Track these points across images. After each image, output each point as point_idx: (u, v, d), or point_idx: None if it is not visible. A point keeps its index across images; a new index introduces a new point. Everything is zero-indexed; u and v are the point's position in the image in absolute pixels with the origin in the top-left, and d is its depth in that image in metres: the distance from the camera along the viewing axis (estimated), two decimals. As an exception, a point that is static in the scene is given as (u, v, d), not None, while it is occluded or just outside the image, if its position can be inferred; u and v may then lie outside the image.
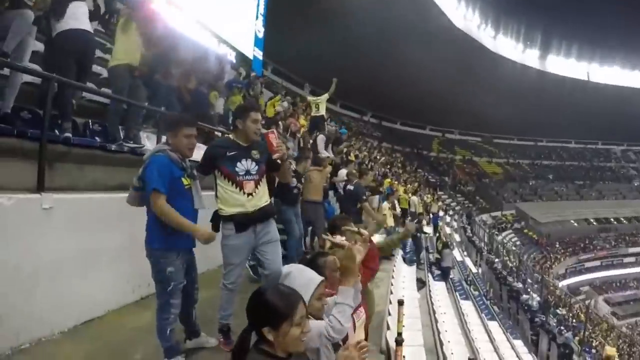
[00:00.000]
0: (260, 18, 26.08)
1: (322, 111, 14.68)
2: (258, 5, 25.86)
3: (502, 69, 61.25)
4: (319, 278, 2.64)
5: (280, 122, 13.86)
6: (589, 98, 65.47)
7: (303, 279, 2.60)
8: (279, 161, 4.58)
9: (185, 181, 3.94)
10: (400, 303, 6.01)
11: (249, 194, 4.17)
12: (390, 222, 13.61)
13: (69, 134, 5.30)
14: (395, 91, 52.53)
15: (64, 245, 4.39)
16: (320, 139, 12.66)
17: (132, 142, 6.54)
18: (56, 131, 5.24)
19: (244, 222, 4.19)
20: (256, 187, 4.25)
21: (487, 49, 60.71)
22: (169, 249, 3.85)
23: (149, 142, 7.24)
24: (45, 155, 4.51)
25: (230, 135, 4.52)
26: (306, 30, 41.52)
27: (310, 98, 16.31)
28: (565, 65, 68.76)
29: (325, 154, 11.69)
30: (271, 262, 4.29)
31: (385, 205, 13.71)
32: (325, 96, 14.62)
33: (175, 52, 8.86)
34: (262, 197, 4.30)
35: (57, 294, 4.20)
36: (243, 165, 4.19)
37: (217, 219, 4.26)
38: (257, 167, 4.25)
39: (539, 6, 57.63)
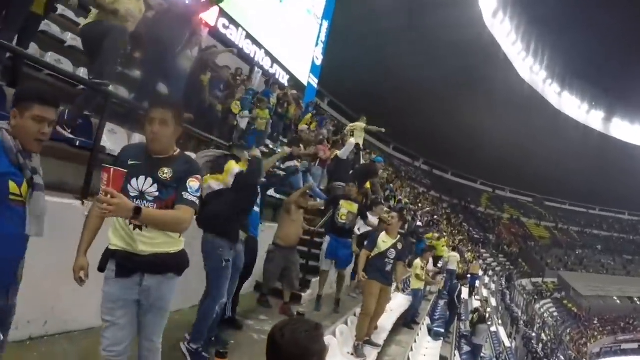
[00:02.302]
0: (321, 45, 26.31)
1: (358, 140, 12.91)
2: (320, 31, 26.04)
3: (564, 127, 58.84)
4: None
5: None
6: (651, 168, 63.05)
7: None
8: None
9: (13, 186, 2.44)
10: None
11: (137, 226, 2.90)
12: (419, 283, 12.37)
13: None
14: (450, 140, 52.25)
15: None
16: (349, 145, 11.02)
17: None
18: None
19: (126, 265, 2.96)
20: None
21: (550, 105, 58.65)
22: None
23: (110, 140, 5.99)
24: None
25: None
26: (367, 66, 41.90)
27: (348, 127, 14.95)
28: (630, 131, 65.87)
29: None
30: (145, 339, 3.13)
31: (418, 262, 12.58)
32: (361, 125, 13.51)
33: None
34: (160, 237, 2.97)
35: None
36: (138, 183, 2.94)
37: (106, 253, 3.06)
38: (159, 192, 2.95)
39: (607, 68, 56.55)
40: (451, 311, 15.55)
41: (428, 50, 42.99)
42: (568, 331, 44.35)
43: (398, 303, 11.29)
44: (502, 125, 52.39)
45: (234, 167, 4.82)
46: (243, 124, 10.99)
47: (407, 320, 11.52)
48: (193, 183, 3.00)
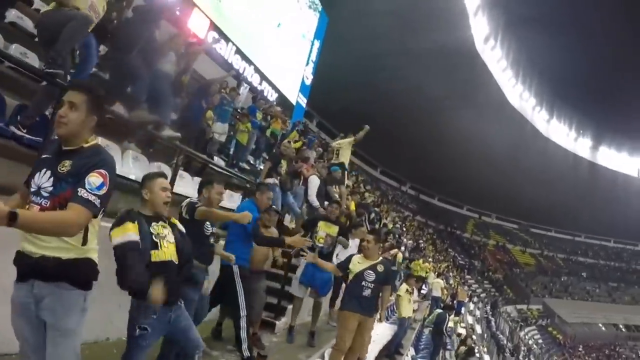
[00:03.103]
0: (311, 65, 26.22)
1: (343, 159, 11.59)
2: (311, 51, 25.98)
3: (552, 154, 59.65)
4: None
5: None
6: (637, 197, 63.24)
7: None
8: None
9: None
10: None
11: None
12: (408, 311, 11.96)
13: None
14: (438, 165, 52.36)
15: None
16: (312, 180, 9.93)
17: None
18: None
19: (22, 268, 2.58)
20: None
21: (539, 133, 59.21)
22: None
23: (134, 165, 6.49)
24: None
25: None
26: (357, 88, 41.87)
27: (333, 144, 13.12)
28: (616, 158, 66.51)
29: (315, 202, 9.62)
30: None
31: (403, 288, 12.05)
32: (348, 141, 11.80)
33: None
34: (53, 240, 2.51)
35: None
36: (39, 178, 2.59)
37: None
38: (53, 186, 2.55)
39: (595, 96, 56.82)
40: (436, 342, 14.53)
41: (419, 75, 43.08)
42: (554, 359, 44.00)
43: (381, 333, 10.89)
44: (490, 151, 52.63)
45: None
46: (222, 138, 10.61)
47: (391, 352, 11.11)
48: (94, 178, 2.50)
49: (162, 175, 3.68)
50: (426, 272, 21.95)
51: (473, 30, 44.06)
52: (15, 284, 2.59)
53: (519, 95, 55.92)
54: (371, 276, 6.16)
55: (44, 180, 2.55)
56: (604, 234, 70.31)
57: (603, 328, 55.04)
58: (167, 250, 3.43)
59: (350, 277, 6.27)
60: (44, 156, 2.62)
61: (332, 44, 28.06)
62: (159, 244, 3.38)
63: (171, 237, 3.51)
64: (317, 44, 26.15)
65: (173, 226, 3.62)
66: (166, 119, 6.71)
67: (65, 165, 2.54)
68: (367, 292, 6.12)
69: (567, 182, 59.94)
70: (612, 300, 60.06)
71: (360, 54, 39.54)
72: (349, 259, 6.48)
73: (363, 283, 6.12)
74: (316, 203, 9.56)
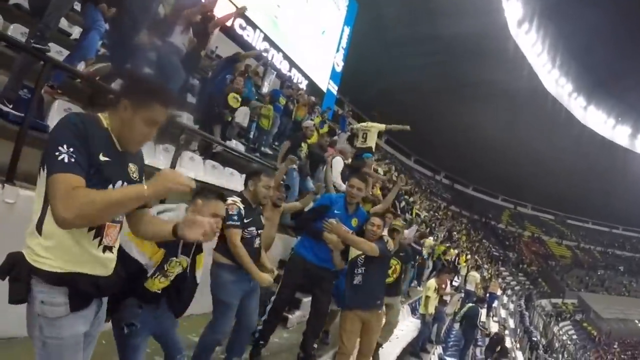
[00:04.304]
0: (342, 51, 25.96)
1: (370, 143, 10.53)
2: (341, 37, 25.74)
3: (589, 143, 57.38)
4: None
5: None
6: (678, 186, 61.16)
7: None
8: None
9: None
10: None
11: (107, 248, 2.20)
12: (432, 307, 10.82)
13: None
14: (473, 154, 51.76)
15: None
16: (337, 161, 9.18)
17: None
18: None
19: (89, 292, 2.16)
20: (117, 238, 2.30)
21: (576, 120, 57.15)
22: None
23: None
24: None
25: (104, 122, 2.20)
26: (389, 75, 41.26)
27: (358, 125, 11.51)
28: None
29: (341, 185, 8.57)
30: None
31: (432, 283, 10.91)
32: (378, 126, 10.59)
33: None
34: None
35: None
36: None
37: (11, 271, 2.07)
38: None
39: (635, 81, 55.14)
40: (468, 336, 13.48)
41: (451, 61, 42.37)
42: (587, 355, 43.01)
43: (406, 329, 10.39)
44: (525, 139, 51.70)
45: None
46: (244, 122, 10.14)
47: (416, 349, 10.61)
48: None
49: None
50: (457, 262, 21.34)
51: (506, 13, 42.77)
52: (67, 316, 2.11)
53: (555, 81, 54.12)
54: (362, 259, 5.22)
55: None
56: (643, 226, 68.23)
57: (639, 324, 53.57)
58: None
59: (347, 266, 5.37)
60: (102, 159, 2.09)
61: (363, 30, 27.55)
62: None
63: None
64: (347, 30, 25.73)
65: None
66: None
67: (134, 171, 2.30)
68: (358, 280, 5.21)
69: (604, 171, 58.38)
70: (650, 296, 58.44)
71: (392, 41, 38.91)
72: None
73: (355, 270, 5.23)
74: (342, 186, 8.32)
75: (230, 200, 4.12)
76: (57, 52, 6.24)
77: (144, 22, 5.85)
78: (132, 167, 2.27)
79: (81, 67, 5.41)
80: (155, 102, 2.15)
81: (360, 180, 5.33)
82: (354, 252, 5.24)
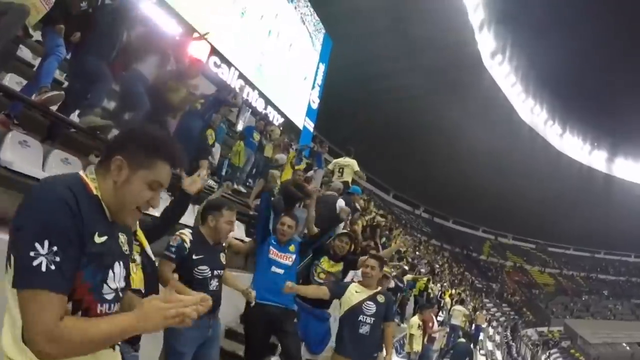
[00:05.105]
0: (317, 88, 25.99)
1: (347, 178, 10.76)
2: (316, 74, 25.78)
3: (567, 169, 57.95)
4: None
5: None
6: (658, 208, 61.71)
7: None
8: None
9: None
10: None
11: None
12: (418, 345, 10.65)
13: None
14: (451, 187, 51.85)
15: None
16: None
17: None
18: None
19: None
20: None
21: (552, 147, 57.84)
22: None
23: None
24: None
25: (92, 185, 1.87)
26: (366, 111, 41.48)
27: (335, 161, 11.78)
28: (634, 169, 63.88)
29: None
30: None
31: (415, 320, 10.73)
32: (354, 165, 10.98)
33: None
34: None
35: None
36: (114, 279, 1.73)
37: None
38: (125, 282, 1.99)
39: (610, 106, 55.98)
40: None
41: (428, 94, 42.69)
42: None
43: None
44: (503, 170, 51.87)
45: None
46: (213, 159, 10.22)
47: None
48: None
49: None
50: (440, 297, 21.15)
51: (480, 45, 43.47)
52: None
53: (530, 109, 54.93)
54: (371, 309, 4.93)
55: (120, 278, 1.71)
56: (624, 249, 68.28)
57: (627, 347, 53.45)
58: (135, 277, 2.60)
59: (344, 310, 5.03)
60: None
61: (337, 67, 27.72)
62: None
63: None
64: (322, 67, 25.86)
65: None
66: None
67: (124, 243, 1.80)
68: (365, 329, 4.86)
69: (583, 197, 58.67)
70: (636, 318, 58.84)
71: (366, 77, 39.13)
72: (345, 285, 5.24)
73: (361, 318, 4.88)
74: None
75: (179, 232, 3.78)
76: (17, 83, 5.99)
77: (110, 49, 5.57)
78: (122, 239, 1.76)
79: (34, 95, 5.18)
80: (161, 159, 1.69)
81: (291, 218, 5.23)
82: (355, 298, 4.98)
